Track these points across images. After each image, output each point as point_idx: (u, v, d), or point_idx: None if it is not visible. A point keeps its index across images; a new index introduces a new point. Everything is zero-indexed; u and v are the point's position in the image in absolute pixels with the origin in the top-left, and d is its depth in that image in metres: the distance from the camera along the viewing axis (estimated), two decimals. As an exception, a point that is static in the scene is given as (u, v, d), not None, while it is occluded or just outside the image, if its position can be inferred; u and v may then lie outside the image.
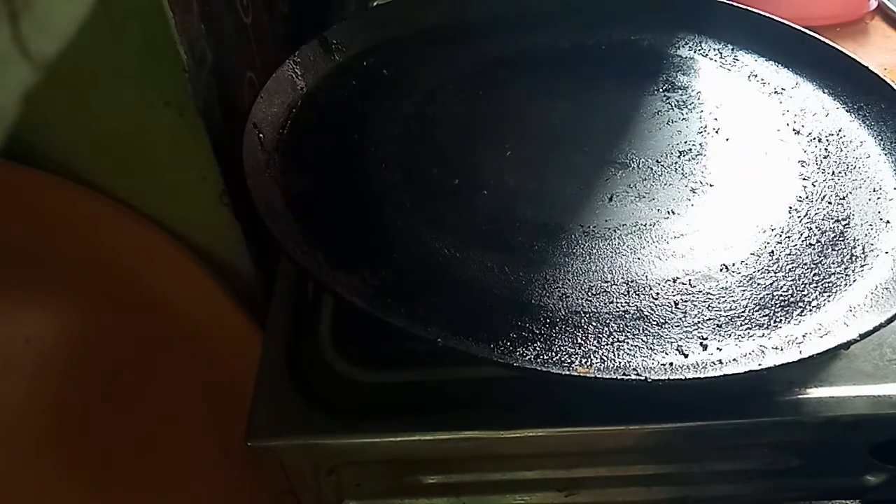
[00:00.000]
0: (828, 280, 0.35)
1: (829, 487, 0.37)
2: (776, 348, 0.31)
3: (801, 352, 0.31)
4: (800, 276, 0.35)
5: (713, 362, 0.31)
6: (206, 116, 0.39)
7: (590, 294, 0.34)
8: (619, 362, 0.31)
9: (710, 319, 0.33)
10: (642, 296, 0.34)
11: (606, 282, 0.34)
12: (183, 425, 0.44)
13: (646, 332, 0.32)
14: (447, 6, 0.52)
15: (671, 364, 0.31)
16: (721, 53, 0.50)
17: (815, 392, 0.34)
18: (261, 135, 0.39)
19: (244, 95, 0.45)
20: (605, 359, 0.31)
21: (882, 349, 0.35)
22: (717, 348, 0.31)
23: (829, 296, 0.34)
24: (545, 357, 0.30)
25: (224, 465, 0.43)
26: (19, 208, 0.41)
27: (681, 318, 0.33)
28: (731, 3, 0.52)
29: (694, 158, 0.42)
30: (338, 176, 0.40)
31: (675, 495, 0.37)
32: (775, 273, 0.35)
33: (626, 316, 0.33)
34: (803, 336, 0.32)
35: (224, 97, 0.42)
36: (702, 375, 0.30)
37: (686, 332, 0.32)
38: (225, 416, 0.43)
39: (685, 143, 0.43)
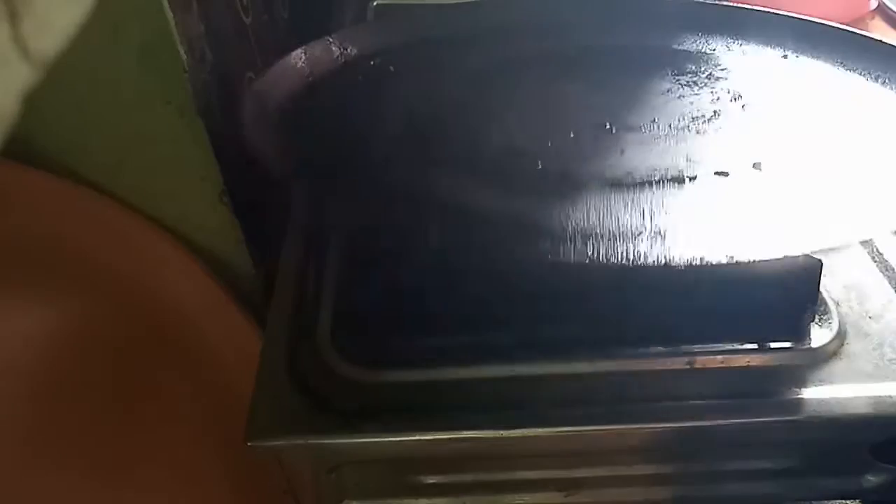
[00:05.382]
0: (852, 205, 0.34)
1: (829, 487, 0.37)
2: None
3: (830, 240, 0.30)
4: (829, 204, 0.34)
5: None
6: (206, 116, 0.39)
7: (603, 218, 0.33)
8: (634, 261, 0.30)
9: (734, 238, 0.32)
10: (659, 218, 0.33)
11: (621, 208, 0.33)
12: (182, 425, 0.44)
13: (663, 244, 0.31)
14: (455, 15, 0.52)
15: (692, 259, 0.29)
16: (729, 47, 0.50)
17: (815, 392, 0.33)
18: (263, 106, 0.39)
19: (244, 95, 0.45)
20: (618, 262, 0.30)
21: (882, 349, 0.35)
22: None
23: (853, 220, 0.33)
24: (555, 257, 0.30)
25: (223, 464, 0.43)
26: (19, 208, 0.41)
27: (702, 235, 0.32)
28: (733, 4, 0.52)
29: (709, 121, 0.41)
30: (338, 141, 0.39)
31: (676, 495, 0.37)
32: (802, 201, 0.34)
33: (643, 234, 0.32)
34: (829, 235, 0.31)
35: (224, 97, 0.42)
36: (729, 260, 0.29)
37: (709, 244, 0.31)
38: (224, 416, 0.43)
39: (698, 111, 0.42)
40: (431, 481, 0.36)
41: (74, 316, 0.43)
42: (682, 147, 0.38)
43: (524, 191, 0.34)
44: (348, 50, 0.47)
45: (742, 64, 0.48)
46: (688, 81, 0.45)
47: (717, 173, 0.36)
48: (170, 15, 0.36)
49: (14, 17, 0.36)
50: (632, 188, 0.35)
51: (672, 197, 0.34)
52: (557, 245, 0.30)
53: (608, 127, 0.40)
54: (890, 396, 0.33)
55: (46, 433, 0.42)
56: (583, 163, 0.37)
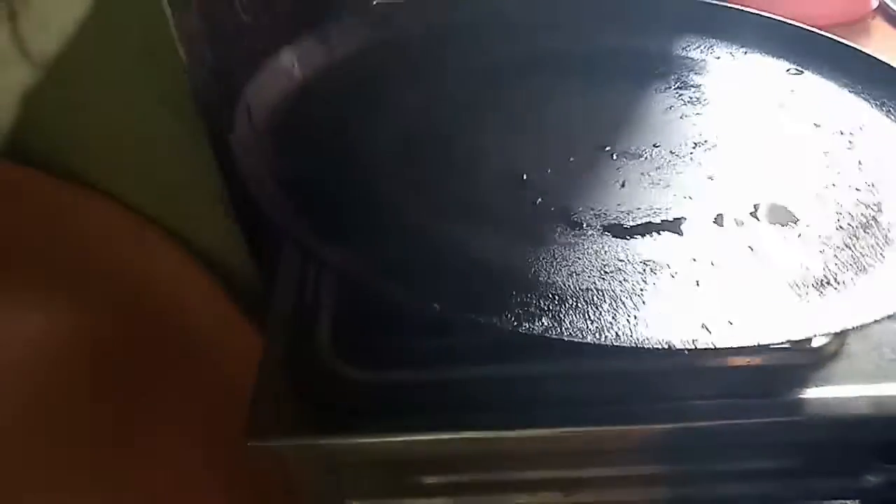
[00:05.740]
0: (861, 261, 0.33)
1: (830, 488, 0.37)
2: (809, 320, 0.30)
3: (837, 323, 0.29)
4: (831, 257, 0.33)
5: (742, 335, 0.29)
6: (206, 116, 0.39)
7: (603, 272, 0.32)
8: (637, 336, 0.29)
9: (735, 298, 0.31)
10: (660, 274, 0.32)
11: (621, 260, 0.33)
12: (182, 425, 0.44)
13: (665, 308, 0.30)
14: (451, 8, 0.51)
15: (695, 339, 0.29)
16: (733, 56, 0.49)
17: (815, 392, 0.33)
18: (251, 113, 0.38)
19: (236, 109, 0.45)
20: (621, 334, 0.29)
21: (881, 349, 0.35)
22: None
23: (862, 275, 0.32)
24: (555, 331, 0.29)
25: (223, 465, 0.43)
26: (19, 208, 0.41)
27: (703, 296, 0.31)
28: (736, 6, 0.52)
29: (710, 150, 0.40)
30: (331, 159, 0.38)
31: (677, 495, 0.37)
32: (805, 253, 0.33)
33: (644, 293, 0.31)
34: (836, 311, 0.30)
35: (224, 97, 0.42)
36: (734, 345, 0.28)
37: (710, 308, 0.30)
38: (224, 417, 0.43)
39: (700, 135, 0.41)
40: (431, 481, 0.36)
41: (74, 316, 0.43)
42: (682, 181, 0.38)
43: (525, 238, 0.34)
44: (337, 49, 0.45)
45: (746, 77, 0.47)
46: (691, 98, 0.45)
47: (715, 220, 0.35)
48: (169, 14, 0.35)
49: (13, 17, 0.36)
50: (631, 235, 0.34)
51: (671, 249, 0.33)
52: (558, 310, 0.30)
53: (608, 150, 0.40)
54: (890, 397, 0.33)
55: (45, 433, 0.42)
56: (582, 198, 0.36)
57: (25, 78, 0.38)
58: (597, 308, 0.30)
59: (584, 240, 0.34)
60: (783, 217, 0.36)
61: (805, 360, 0.35)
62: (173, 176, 0.42)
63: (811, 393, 0.33)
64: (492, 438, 0.33)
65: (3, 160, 0.41)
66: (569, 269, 0.32)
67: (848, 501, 0.38)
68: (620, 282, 0.32)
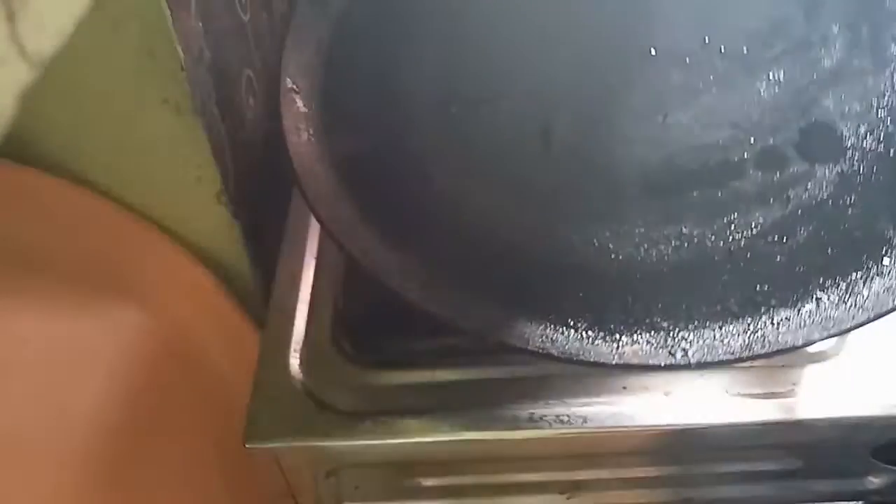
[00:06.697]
0: None
1: (831, 490, 0.37)
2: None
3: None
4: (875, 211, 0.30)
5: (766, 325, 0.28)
6: (204, 115, 0.39)
7: (641, 249, 0.31)
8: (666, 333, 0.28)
9: (766, 274, 0.29)
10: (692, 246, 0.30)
11: (652, 239, 0.31)
12: (180, 426, 0.44)
13: (696, 287, 0.29)
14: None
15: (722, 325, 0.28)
16: None
17: (816, 393, 0.33)
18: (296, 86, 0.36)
19: (242, 94, 0.45)
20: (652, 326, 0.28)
21: (884, 349, 0.35)
22: (772, 304, 0.28)
23: None
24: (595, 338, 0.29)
25: (222, 467, 0.43)
26: (17, 208, 0.41)
27: (736, 270, 0.30)
28: None
29: (765, 46, 0.34)
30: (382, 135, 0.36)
31: (678, 497, 0.37)
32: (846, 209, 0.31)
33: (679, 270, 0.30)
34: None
35: (222, 96, 0.42)
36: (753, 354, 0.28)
37: (741, 283, 0.29)
38: (222, 418, 0.43)
39: (754, 21, 0.34)
40: (431, 484, 0.36)
41: (71, 316, 0.43)
42: (730, 101, 0.33)
43: (561, 212, 0.32)
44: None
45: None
46: None
47: (757, 162, 0.31)
48: (167, 13, 0.35)
49: (11, 16, 0.36)
50: (667, 195, 0.32)
51: (713, 213, 0.31)
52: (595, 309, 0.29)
53: (652, 53, 0.34)
54: (892, 397, 0.33)
55: (41, 433, 0.42)
56: (620, 147, 0.33)
57: (23, 77, 0.38)
58: (634, 294, 0.29)
59: (623, 205, 0.32)
60: (832, 152, 0.31)
61: (805, 360, 0.35)
62: (172, 175, 0.42)
63: (812, 394, 0.33)
64: (492, 440, 0.33)
65: (1, 160, 0.41)
66: (608, 247, 0.31)
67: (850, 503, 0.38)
68: (655, 258, 0.31)
